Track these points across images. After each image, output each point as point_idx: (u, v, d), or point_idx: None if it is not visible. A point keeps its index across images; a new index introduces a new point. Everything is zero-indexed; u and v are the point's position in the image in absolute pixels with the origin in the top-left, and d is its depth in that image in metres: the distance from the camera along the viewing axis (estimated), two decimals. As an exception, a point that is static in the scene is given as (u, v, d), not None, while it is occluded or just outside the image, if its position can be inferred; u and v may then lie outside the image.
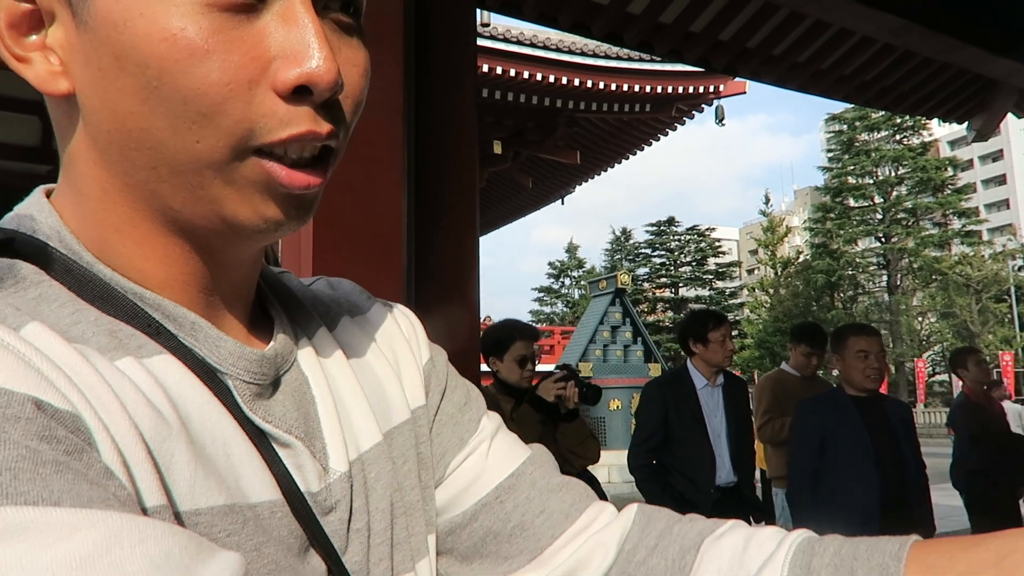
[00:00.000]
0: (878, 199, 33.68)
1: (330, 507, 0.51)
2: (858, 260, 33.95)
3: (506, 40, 8.57)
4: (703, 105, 10.07)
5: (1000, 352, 25.15)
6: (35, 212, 0.48)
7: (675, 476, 3.50)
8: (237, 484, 0.45)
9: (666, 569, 0.60)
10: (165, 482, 0.40)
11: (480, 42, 7.89)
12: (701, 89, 9.71)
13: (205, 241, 0.48)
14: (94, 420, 0.37)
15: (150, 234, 0.47)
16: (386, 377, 0.62)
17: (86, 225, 0.47)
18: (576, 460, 3.18)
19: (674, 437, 3.51)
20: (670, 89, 9.50)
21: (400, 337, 0.66)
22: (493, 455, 0.66)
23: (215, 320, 0.50)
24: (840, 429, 3.18)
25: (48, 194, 0.50)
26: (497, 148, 9.46)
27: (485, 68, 8.26)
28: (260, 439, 0.48)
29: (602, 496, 0.78)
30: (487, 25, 8.08)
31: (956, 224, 32.66)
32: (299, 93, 0.42)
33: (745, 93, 9.93)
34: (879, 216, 33.71)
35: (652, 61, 9.16)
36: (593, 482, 3.34)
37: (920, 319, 31.48)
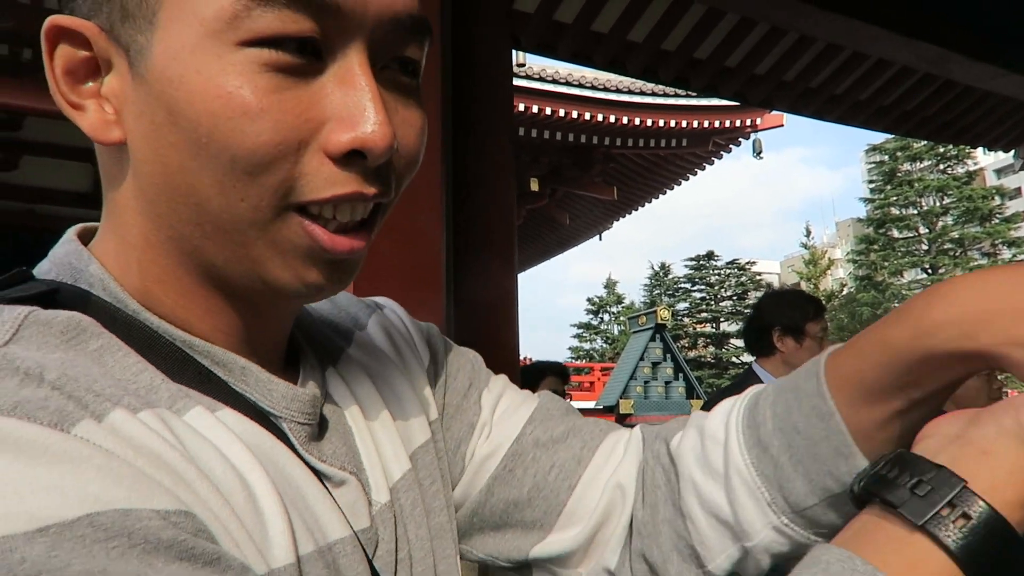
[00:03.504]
0: (923, 230, 33.01)
1: (377, 540, 0.50)
2: (904, 292, 33.16)
3: (542, 79, 8.67)
4: (740, 139, 10.03)
5: (1058, 385, 24.28)
6: (74, 260, 0.47)
7: None
8: (317, 524, 0.45)
9: (666, 497, 0.60)
10: (259, 547, 0.39)
11: (516, 82, 7.99)
12: (738, 123, 9.68)
13: (247, 298, 0.47)
14: (204, 511, 0.36)
15: (192, 287, 0.47)
16: (404, 392, 0.61)
17: (130, 274, 0.46)
18: None
19: None
20: (707, 124, 9.49)
21: (402, 341, 0.66)
22: (497, 427, 0.65)
23: (260, 362, 0.49)
24: None
25: (81, 236, 0.50)
26: (534, 185, 9.51)
27: (521, 107, 8.35)
28: (320, 481, 0.48)
29: None
30: (523, 65, 8.20)
31: (1006, 254, 31.80)
32: (351, 157, 0.42)
33: (783, 126, 9.89)
34: (925, 247, 32.99)
35: (688, 96, 9.18)
36: None
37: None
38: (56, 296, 0.44)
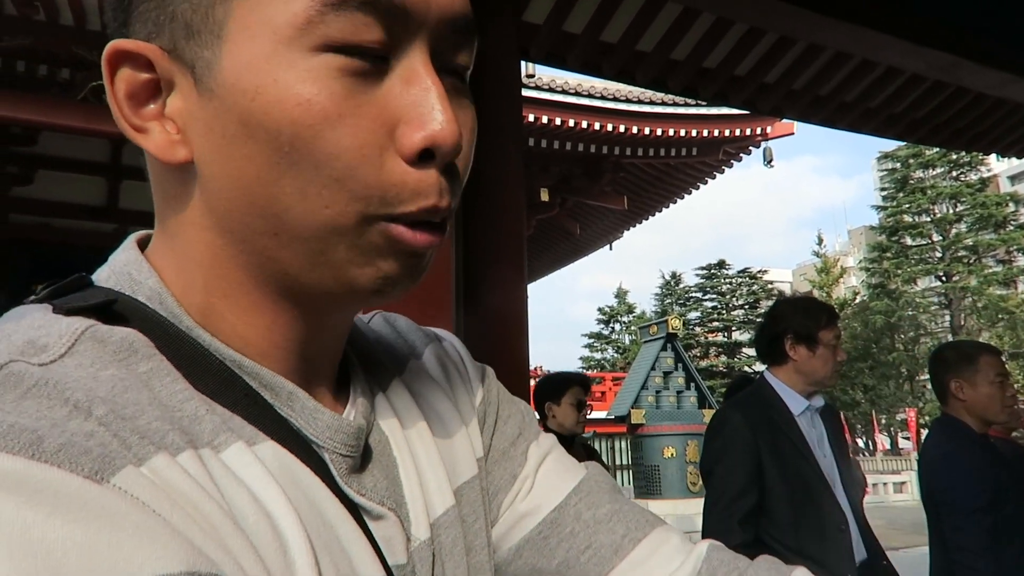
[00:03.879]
0: (936, 237, 32.79)
1: None
2: (918, 300, 32.96)
3: (551, 90, 8.70)
4: (750, 147, 10.03)
5: (1076, 393, 23.99)
6: (133, 271, 0.47)
7: (789, 560, 2.02)
8: (351, 566, 0.44)
9: None
10: None
11: (526, 92, 8.02)
12: (748, 132, 9.69)
13: (315, 305, 0.47)
14: (235, 570, 0.36)
15: (259, 300, 0.46)
16: (454, 425, 0.59)
17: (191, 291, 0.46)
18: None
19: (775, 493, 2.26)
20: (716, 132, 9.50)
21: (456, 376, 0.64)
22: (539, 486, 0.63)
23: (307, 385, 0.49)
24: (1011, 481, 2.40)
25: (141, 243, 0.50)
26: (544, 196, 9.53)
27: (531, 118, 8.38)
28: (357, 514, 0.47)
29: None
30: (532, 76, 8.23)
31: (1021, 261, 31.56)
32: (423, 157, 0.42)
33: (793, 134, 9.88)
34: (938, 254, 32.77)
35: (697, 105, 9.18)
36: None
37: (987, 360, 30.23)
38: (113, 307, 0.44)
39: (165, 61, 0.43)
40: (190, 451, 0.39)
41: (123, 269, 0.47)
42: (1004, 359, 2.65)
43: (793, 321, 2.49)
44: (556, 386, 3.38)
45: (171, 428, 0.39)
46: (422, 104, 0.42)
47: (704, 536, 2.36)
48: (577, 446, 3.51)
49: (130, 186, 7.18)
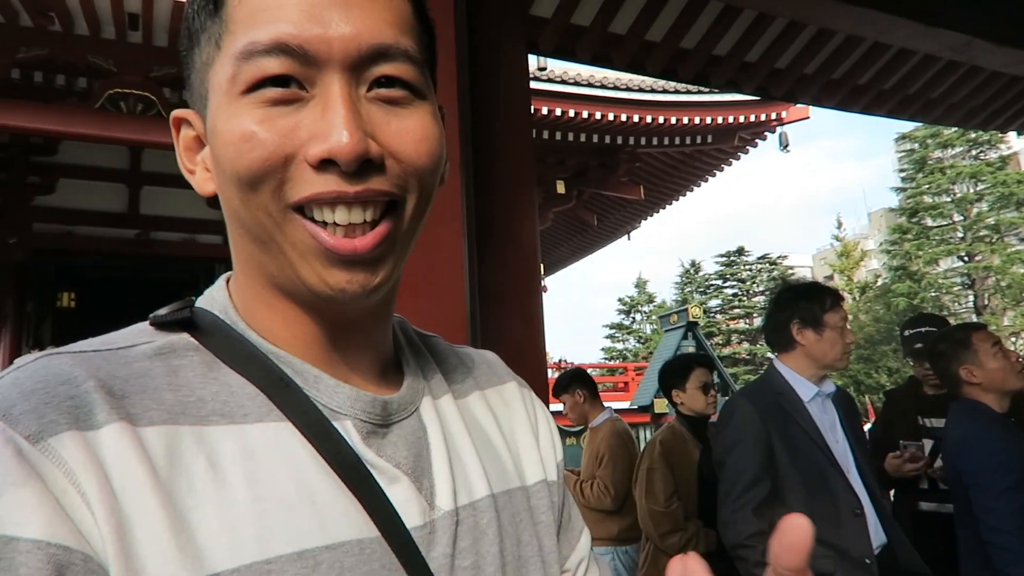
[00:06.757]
0: (957, 217, 32.34)
1: (433, 542, 0.56)
2: (941, 281, 32.55)
3: (563, 82, 8.67)
4: (766, 133, 9.94)
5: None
6: (215, 291, 0.61)
7: None
8: (323, 527, 0.51)
9: None
10: (213, 544, 0.47)
11: (538, 86, 8.01)
12: (763, 117, 9.59)
13: (308, 304, 0.57)
14: (112, 545, 0.44)
15: (272, 300, 0.58)
16: (501, 448, 0.69)
17: (242, 297, 0.60)
18: None
19: (787, 482, 2.24)
20: (731, 119, 9.42)
21: (524, 420, 0.74)
22: None
23: (340, 374, 0.59)
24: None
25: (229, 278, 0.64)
26: (560, 188, 9.52)
27: (545, 111, 8.37)
28: (362, 480, 0.54)
29: None
30: (544, 69, 8.21)
31: (1045, 239, 31.06)
32: (326, 164, 0.51)
33: (808, 118, 9.76)
34: (960, 234, 32.33)
35: (711, 92, 9.12)
36: None
37: (1013, 339, 29.87)
38: (192, 318, 0.58)
39: (199, 122, 0.58)
40: (162, 426, 0.49)
41: (210, 291, 0.62)
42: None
43: (798, 306, 2.48)
44: (678, 372, 3.38)
45: (157, 407, 0.50)
46: (327, 123, 0.51)
47: (719, 526, 2.33)
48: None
49: (150, 192, 7.27)
